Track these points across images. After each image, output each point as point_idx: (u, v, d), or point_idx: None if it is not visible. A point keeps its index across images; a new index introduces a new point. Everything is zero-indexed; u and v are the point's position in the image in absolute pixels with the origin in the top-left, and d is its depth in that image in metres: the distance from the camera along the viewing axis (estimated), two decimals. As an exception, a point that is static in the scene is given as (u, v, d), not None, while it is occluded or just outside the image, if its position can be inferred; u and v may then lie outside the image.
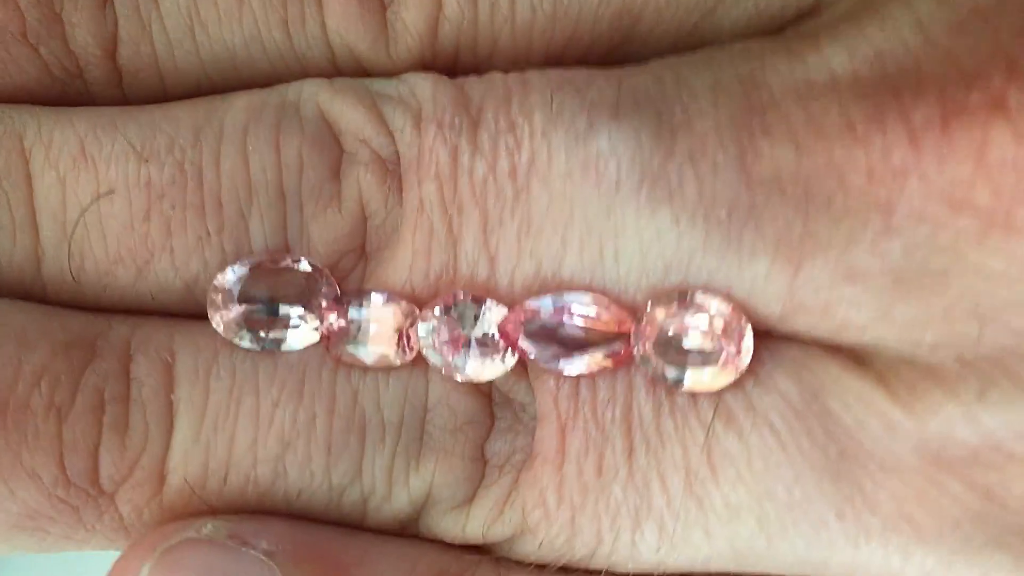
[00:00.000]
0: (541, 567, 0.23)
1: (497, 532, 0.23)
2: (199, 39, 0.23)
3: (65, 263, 0.23)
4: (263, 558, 0.22)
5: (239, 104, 0.23)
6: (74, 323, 0.23)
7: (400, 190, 0.22)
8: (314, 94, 0.23)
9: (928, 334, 0.20)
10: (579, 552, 0.22)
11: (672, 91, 0.22)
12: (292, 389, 0.22)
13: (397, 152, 0.22)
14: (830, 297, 0.20)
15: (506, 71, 0.23)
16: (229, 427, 0.22)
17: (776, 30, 0.23)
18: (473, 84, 0.23)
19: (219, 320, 0.23)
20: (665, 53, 0.23)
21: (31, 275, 0.23)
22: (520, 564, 0.23)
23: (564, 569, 0.23)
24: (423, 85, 0.23)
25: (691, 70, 0.22)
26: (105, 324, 0.23)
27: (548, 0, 0.23)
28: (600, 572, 0.23)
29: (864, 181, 0.20)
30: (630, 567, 0.22)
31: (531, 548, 0.23)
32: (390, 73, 0.24)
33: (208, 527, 0.22)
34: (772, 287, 0.21)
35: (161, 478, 0.22)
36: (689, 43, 0.23)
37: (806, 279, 0.20)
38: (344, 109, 0.23)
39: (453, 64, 0.24)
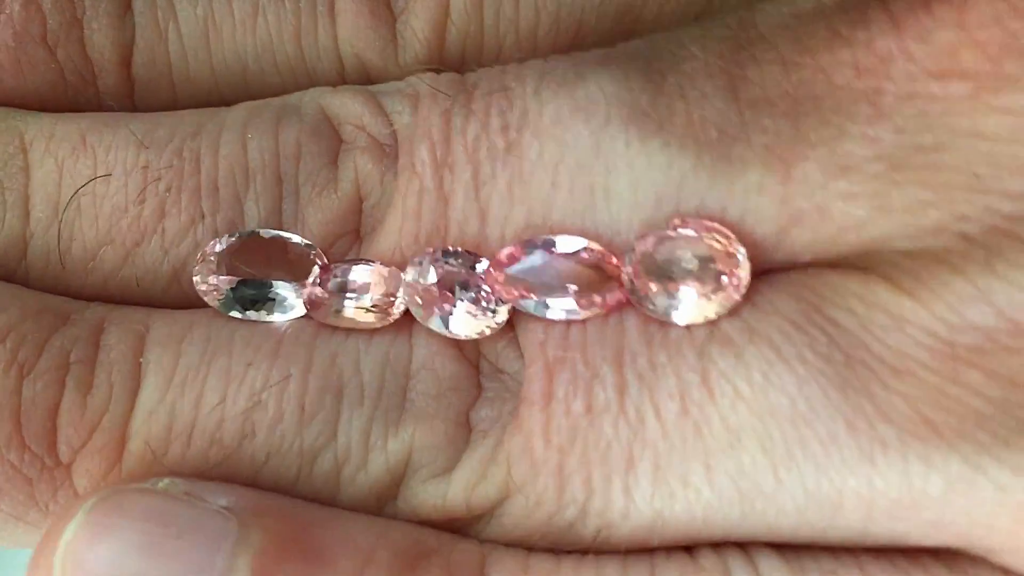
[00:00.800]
0: (528, 549, 0.21)
1: (481, 495, 0.20)
2: (213, 47, 0.24)
3: (52, 247, 0.23)
4: (220, 510, 0.20)
5: (242, 105, 0.24)
6: (49, 297, 0.22)
7: (395, 173, 0.22)
8: (315, 97, 0.24)
9: (929, 216, 0.19)
10: (569, 510, 0.20)
11: (662, 44, 0.22)
12: (268, 350, 0.21)
13: (394, 132, 0.23)
14: (825, 196, 0.20)
15: None
16: (197, 386, 0.21)
17: None
18: (472, 72, 0.23)
19: (206, 288, 0.22)
20: None
21: (15, 258, 0.23)
22: (506, 546, 0.21)
23: (552, 552, 0.20)
24: (422, 76, 0.23)
25: (684, 32, 0.22)
26: (82, 304, 0.22)
27: (551, 1, 0.24)
28: (589, 550, 0.20)
29: (851, 76, 0.20)
30: (625, 528, 0.20)
31: (518, 511, 0.20)
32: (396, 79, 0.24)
33: (165, 482, 0.20)
34: (765, 198, 0.20)
35: (122, 443, 0.21)
36: None
37: (799, 181, 0.20)
38: (344, 102, 0.23)
39: (459, 70, 0.24)
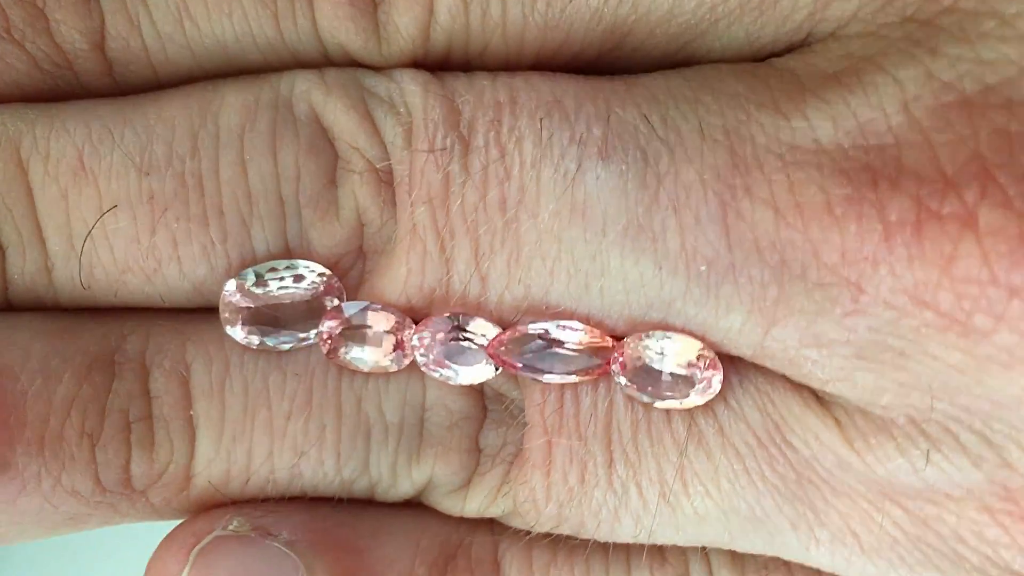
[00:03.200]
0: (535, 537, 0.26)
1: (492, 512, 0.25)
2: (189, 33, 0.24)
3: (75, 273, 0.24)
4: (286, 550, 0.24)
5: (232, 101, 0.24)
6: (90, 342, 0.24)
7: (393, 203, 0.24)
8: (306, 92, 0.24)
9: (884, 399, 0.22)
10: (565, 533, 0.25)
11: (659, 132, 0.22)
12: (301, 400, 0.24)
13: (390, 164, 0.23)
14: (797, 355, 0.22)
15: (495, 71, 0.24)
16: (246, 439, 0.24)
17: (763, 58, 0.23)
18: (462, 93, 0.23)
19: (232, 331, 0.24)
20: (654, 65, 0.24)
21: (43, 287, 0.24)
22: (515, 532, 0.26)
23: (552, 542, 0.26)
24: (413, 91, 0.23)
25: (678, 112, 0.22)
26: (119, 335, 0.25)
27: (540, 9, 0.23)
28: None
29: (837, 260, 0.21)
30: (610, 541, 0.25)
31: (522, 525, 0.25)
32: (382, 69, 0.24)
33: (234, 523, 0.25)
34: (745, 339, 0.22)
35: (187, 480, 0.25)
36: (678, 59, 0.24)
37: (776, 339, 0.22)
38: (337, 114, 0.23)
39: (444, 63, 0.24)
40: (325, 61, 0.24)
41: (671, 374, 0.23)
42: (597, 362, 0.24)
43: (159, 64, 0.24)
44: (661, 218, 0.22)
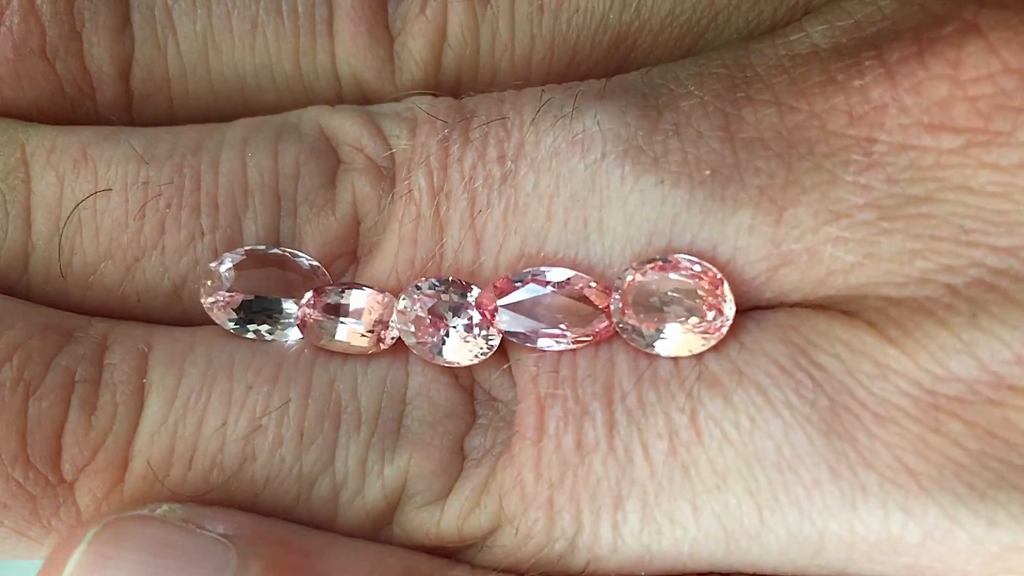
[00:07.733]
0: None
1: (473, 524, 0.21)
2: (212, 64, 0.24)
3: (53, 261, 0.23)
4: (219, 538, 0.20)
5: (241, 122, 0.24)
6: (53, 315, 0.23)
7: (393, 193, 0.23)
8: (315, 115, 0.24)
9: (915, 265, 0.19)
10: (558, 543, 0.21)
11: (659, 79, 0.22)
12: (268, 374, 0.22)
13: (392, 156, 0.23)
14: (815, 240, 0.20)
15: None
16: (200, 408, 0.21)
17: None
18: (469, 98, 0.24)
19: (212, 303, 0.22)
20: None
21: (17, 271, 0.23)
22: (497, 572, 0.21)
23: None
24: (420, 100, 0.24)
25: (678, 65, 0.23)
26: (85, 320, 0.23)
27: (547, 28, 0.24)
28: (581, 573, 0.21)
29: (845, 123, 0.20)
30: (613, 561, 0.20)
31: (509, 542, 0.21)
32: (393, 100, 0.24)
33: (163, 508, 0.21)
34: (756, 239, 0.20)
35: (125, 463, 0.21)
36: None
37: (790, 224, 0.20)
38: (343, 123, 0.23)
39: (455, 93, 0.24)
40: (338, 100, 0.25)
41: (673, 290, 0.21)
42: (598, 324, 0.21)
43: (178, 97, 0.25)
44: (662, 139, 0.21)
